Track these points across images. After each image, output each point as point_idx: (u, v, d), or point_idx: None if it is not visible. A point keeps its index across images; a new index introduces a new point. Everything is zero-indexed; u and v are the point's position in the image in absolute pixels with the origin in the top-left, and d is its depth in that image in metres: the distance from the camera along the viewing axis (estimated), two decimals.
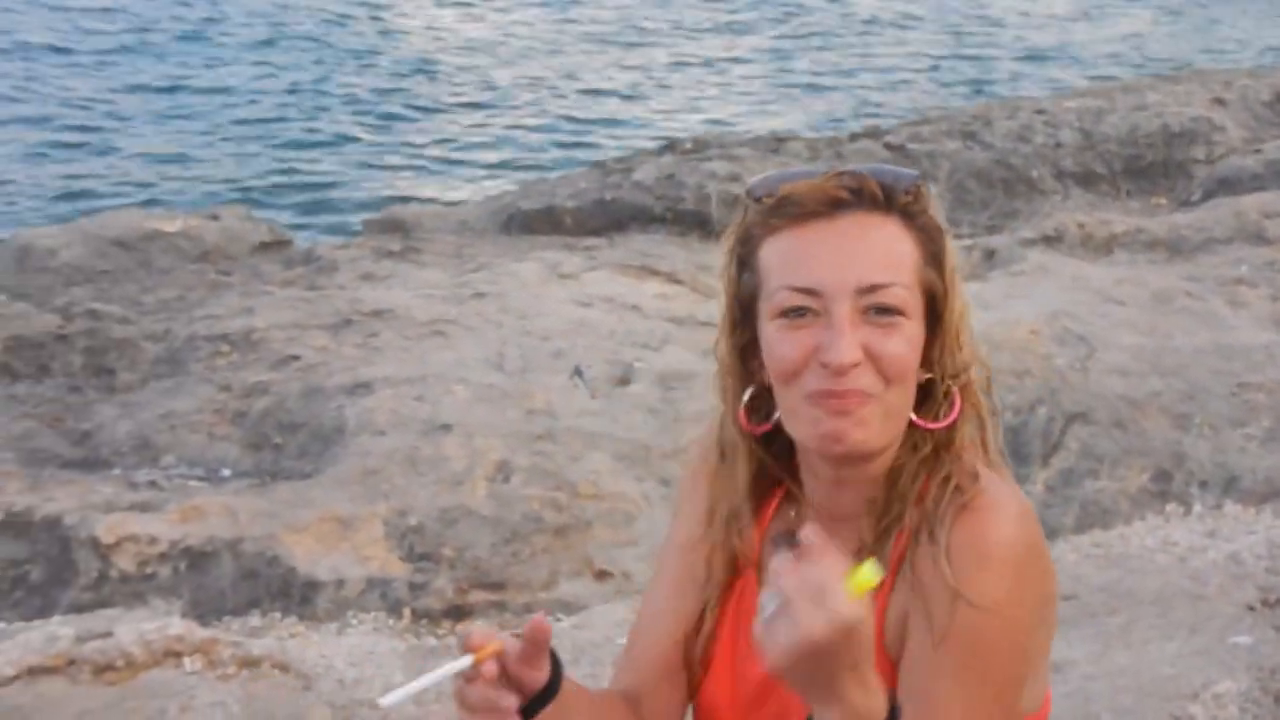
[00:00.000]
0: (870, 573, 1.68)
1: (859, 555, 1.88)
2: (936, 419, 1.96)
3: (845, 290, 1.88)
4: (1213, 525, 5.49)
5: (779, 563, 1.69)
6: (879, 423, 1.90)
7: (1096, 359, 6.29)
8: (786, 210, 1.93)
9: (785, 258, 1.92)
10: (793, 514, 2.07)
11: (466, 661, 1.85)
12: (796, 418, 1.93)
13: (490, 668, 1.85)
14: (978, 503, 1.89)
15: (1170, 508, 5.65)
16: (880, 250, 1.91)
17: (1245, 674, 4.42)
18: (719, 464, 2.10)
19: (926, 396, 1.97)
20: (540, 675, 1.90)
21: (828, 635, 1.65)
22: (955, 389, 1.96)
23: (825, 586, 1.65)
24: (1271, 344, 6.51)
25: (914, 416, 1.95)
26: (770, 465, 2.08)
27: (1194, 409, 6.05)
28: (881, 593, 1.88)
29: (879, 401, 1.89)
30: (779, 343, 1.91)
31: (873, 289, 1.88)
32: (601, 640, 4.73)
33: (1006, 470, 2.00)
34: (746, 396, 2.03)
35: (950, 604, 1.85)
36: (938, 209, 1.99)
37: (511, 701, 1.87)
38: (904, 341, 1.90)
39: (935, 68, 17.95)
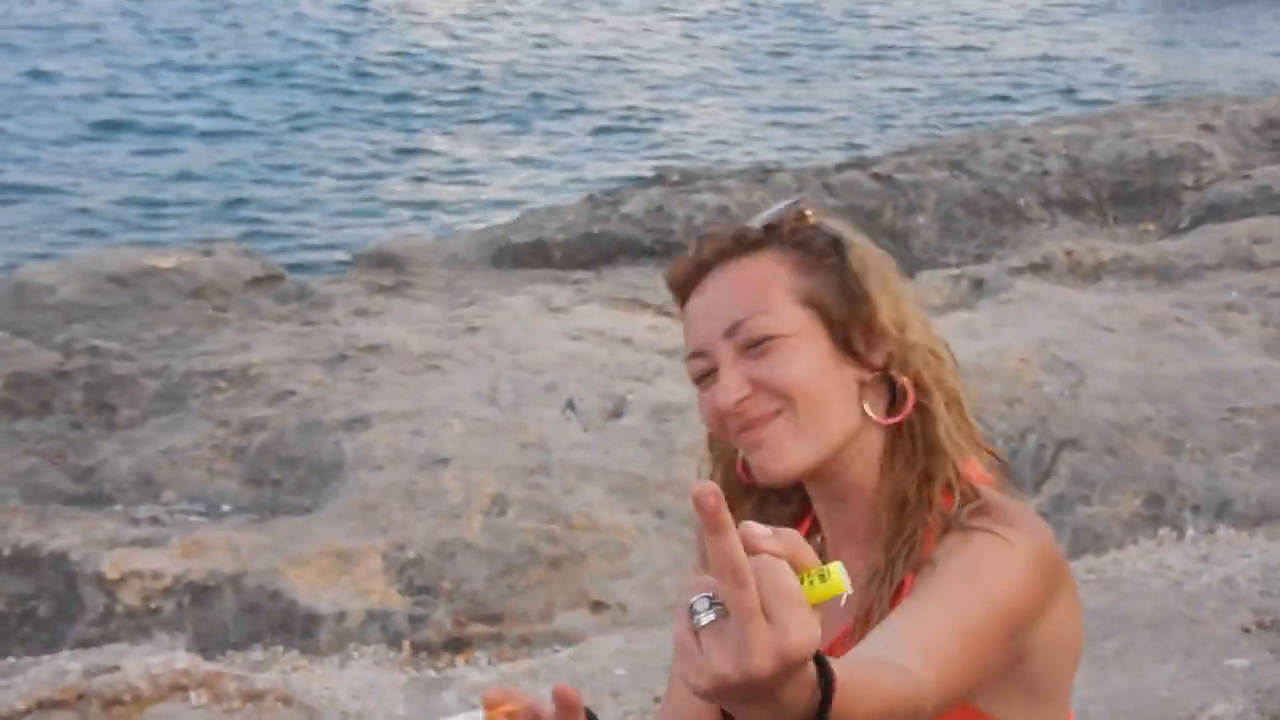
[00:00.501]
0: (839, 577, 1.31)
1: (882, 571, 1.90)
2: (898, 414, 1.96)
3: (715, 339, 1.96)
4: (1206, 549, 5.52)
5: (729, 546, 1.26)
6: (792, 441, 1.93)
7: (1086, 386, 6.33)
8: (675, 294, 2.05)
9: (684, 334, 2.02)
10: (819, 539, 2.11)
11: (478, 717, 1.77)
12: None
13: None
14: (997, 502, 1.90)
15: (1163, 532, 5.69)
16: (736, 291, 1.97)
17: (1242, 696, 4.46)
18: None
19: (893, 398, 2.00)
20: None
21: (779, 669, 1.28)
22: (904, 380, 1.98)
23: (787, 596, 1.27)
24: (1262, 369, 6.56)
25: (869, 413, 1.96)
26: (786, 498, 2.12)
27: (1185, 434, 6.09)
28: (899, 596, 1.87)
29: (785, 419, 1.93)
30: (700, 406, 2.00)
31: (735, 327, 1.95)
32: (599, 671, 4.77)
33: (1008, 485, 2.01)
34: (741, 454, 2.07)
35: (964, 539, 1.84)
36: (836, 224, 2.02)
37: None
38: (785, 360, 1.93)
39: (922, 98, 18.03)
